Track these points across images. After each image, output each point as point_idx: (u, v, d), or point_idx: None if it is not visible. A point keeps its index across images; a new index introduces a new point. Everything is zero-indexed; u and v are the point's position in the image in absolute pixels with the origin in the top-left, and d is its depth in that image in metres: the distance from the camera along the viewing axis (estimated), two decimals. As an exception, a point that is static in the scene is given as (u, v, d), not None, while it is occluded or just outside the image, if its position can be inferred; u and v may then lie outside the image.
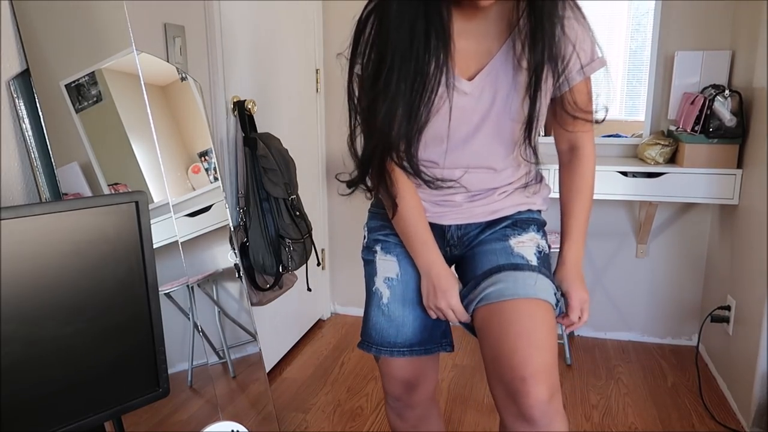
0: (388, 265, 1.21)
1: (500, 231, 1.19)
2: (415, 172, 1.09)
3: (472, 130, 1.10)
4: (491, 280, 1.11)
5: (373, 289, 1.23)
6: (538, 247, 1.17)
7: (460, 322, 1.18)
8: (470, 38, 1.06)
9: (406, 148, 1.05)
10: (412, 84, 1.01)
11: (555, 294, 1.13)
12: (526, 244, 1.16)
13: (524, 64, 1.04)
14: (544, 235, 1.21)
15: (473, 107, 1.08)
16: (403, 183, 1.14)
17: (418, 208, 1.16)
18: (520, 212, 1.21)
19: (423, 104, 1.03)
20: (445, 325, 1.24)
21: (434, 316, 1.18)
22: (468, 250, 1.22)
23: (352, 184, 1.14)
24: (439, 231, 1.20)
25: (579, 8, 1.06)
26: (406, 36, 0.99)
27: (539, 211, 1.25)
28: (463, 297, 1.15)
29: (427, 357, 1.22)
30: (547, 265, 1.18)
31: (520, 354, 1.05)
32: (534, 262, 1.14)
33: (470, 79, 1.07)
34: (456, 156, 1.13)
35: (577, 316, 1.17)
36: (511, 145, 1.13)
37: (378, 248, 1.23)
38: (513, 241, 1.16)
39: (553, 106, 1.14)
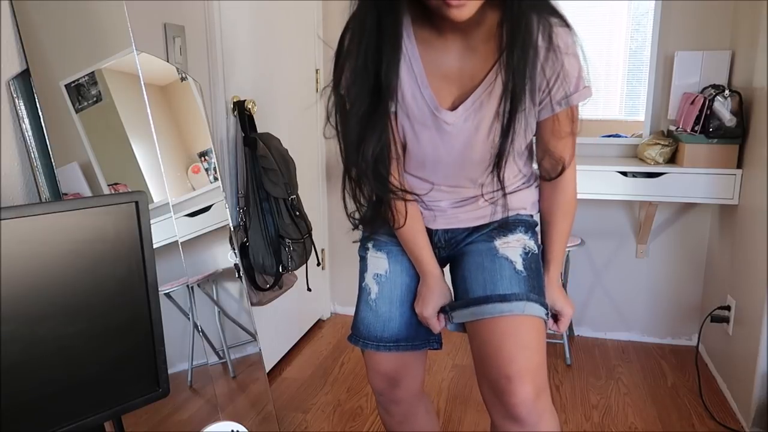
0: (378, 262, 1.23)
1: (487, 233, 1.19)
2: (390, 191, 1.08)
3: (455, 158, 1.10)
4: (479, 309, 1.13)
5: (363, 284, 1.25)
6: (525, 248, 1.17)
7: (452, 322, 1.20)
8: (453, 64, 1.02)
9: (375, 172, 1.04)
10: (360, 107, 0.99)
11: (546, 308, 1.14)
12: (511, 245, 1.16)
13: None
14: (534, 235, 1.21)
15: (455, 136, 1.06)
16: (409, 207, 1.14)
17: (419, 225, 1.18)
18: (507, 217, 1.20)
19: (372, 129, 1.00)
20: None
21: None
22: (456, 252, 1.23)
23: (365, 222, 1.16)
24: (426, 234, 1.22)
25: (572, 33, 1.00)
26: (358, 31, 0.97)
27: (530, 215, 1.24)
28: (453, 308, 1.18)
29: (412, 353, 1.24)
30: (536, 264, 1.18)
31: (506, 353, 1.06)
32: (519, 264, 1.14)
33: (453, 108, 1.05)
34: (439, 177, 1.14)
35: (565, 328, 1.23)
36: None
37: (370, 245, 1.26)
38: (498, 242, 1.17)
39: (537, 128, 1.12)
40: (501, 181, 1.10)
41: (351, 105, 1.01)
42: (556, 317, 1.23)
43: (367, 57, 0.97)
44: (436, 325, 1.19)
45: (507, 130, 1.01)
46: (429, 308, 1.18)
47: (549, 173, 1.14)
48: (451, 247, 1.23)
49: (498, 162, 1.06)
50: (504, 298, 1.10)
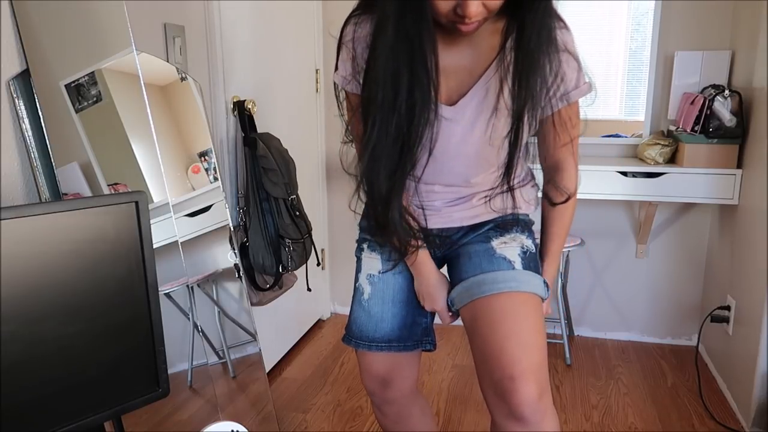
0: (371, 263, 1.24)
1: (483, 234, 1.19)
2: (396, 225, 1.07)
3: (451, 153, 1.09)
4: (473, 280, 1.13)
5: (357, 284, 1.26)
6: (522, 247, 1.16)
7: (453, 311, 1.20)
8: (452, 58, 1.03)
9: (391, 197, 1.03)
10: (394, 139, 0.98)
11: (544, 285, 1.15)
12: (508, 245, 1.16)
13: (506, 92, 1.01)
14: (531, 234, 1.21)
15: (451, 131, 1.06)
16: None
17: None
18: (503, 216, 1.20)
19: (406, 158, 1.00)
20: (428, 323, 1.26)
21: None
22: (452, 252, 1.23)
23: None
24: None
25: (570, 33, 1.02)
26: (390, 90, 0.95)
27: (525, 214, 1.23)
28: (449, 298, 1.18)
29: (404, 354, 1.24)
30: (534, 263, 1.18)
31: (508, 354, 1.05)
32: (517, 263, 1.14)
33: (452, 103, 1.05)
34: (432, 174, 1.13)
35: None
36: (490, 165, 1.13)
37: (365, 246, 1.26)
38: (495, 243, 1.16)
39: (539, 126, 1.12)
40: (509, 181, 1.11)
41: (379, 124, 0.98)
42: None
43: (398, 99, 0.95)
44: (448, 318, 1.20)
45: (517, 131, 1.01)
46: (437, 301, 1.19)
47: (552, 199, 1.16)
48: (446, 247, 1.23)
49: (509, 161, 1.06)
50: (498, 270, 1.13)
